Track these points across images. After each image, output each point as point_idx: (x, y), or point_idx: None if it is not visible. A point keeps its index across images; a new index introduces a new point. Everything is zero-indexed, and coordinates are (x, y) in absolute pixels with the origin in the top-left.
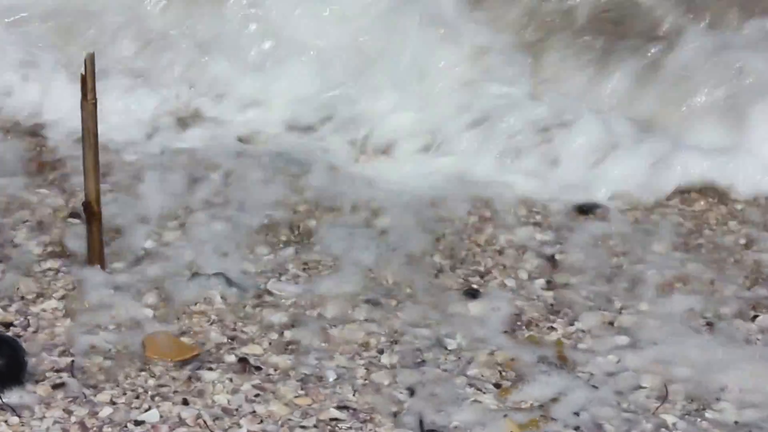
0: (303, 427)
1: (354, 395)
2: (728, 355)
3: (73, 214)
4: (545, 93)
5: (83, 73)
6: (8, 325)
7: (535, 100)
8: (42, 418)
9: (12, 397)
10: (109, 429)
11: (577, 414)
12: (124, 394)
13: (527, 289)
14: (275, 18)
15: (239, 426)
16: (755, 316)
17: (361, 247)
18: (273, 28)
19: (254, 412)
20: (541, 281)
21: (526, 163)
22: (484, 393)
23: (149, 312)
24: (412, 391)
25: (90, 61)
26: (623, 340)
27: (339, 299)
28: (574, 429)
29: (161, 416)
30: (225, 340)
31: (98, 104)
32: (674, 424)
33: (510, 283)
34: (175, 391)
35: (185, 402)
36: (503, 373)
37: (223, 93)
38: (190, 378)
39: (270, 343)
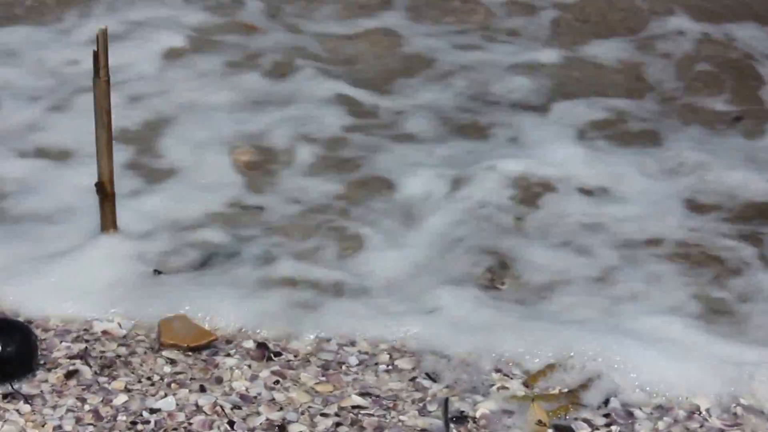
0: (324, 414)
1: (377, 382)
2: None
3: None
4: None
5: (95, 49)
6: None
7: None
8: (54, 407)
9: (23, 384)
10: (124, 417)
11: (606, 401)
12: (139, 381)
13: None
14: None
15: (258, 414)
16: None
17: None
18: None
19: (273, 399)
20: None
21: None
22: (511, 379)
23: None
24: (436, 377)
25: (102, 37)
26: None
27: None
28: (604, 416)
29: (177, 404)
30: (243, 324)
31: None
32: (708, 410)
33: None
34: (192, 378)
35: (202, 389)
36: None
37: None
38: (207, 364)
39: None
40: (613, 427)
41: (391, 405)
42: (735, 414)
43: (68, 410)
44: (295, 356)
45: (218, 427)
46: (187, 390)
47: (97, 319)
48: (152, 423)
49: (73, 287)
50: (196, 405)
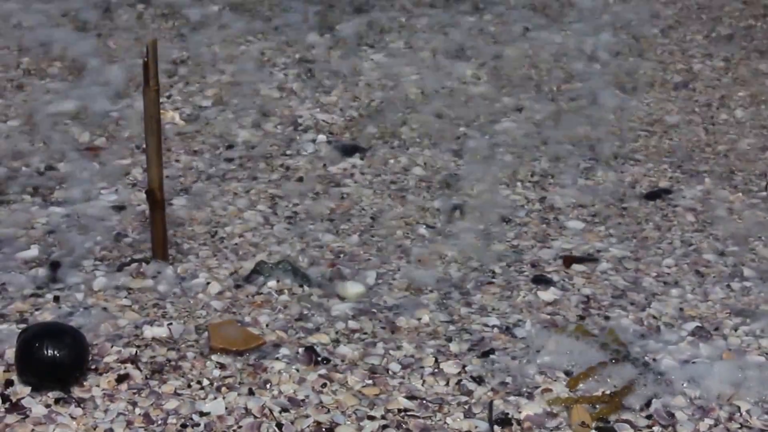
0: (371, 417)
1: (422, 385)
2: None
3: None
4: None
5: (145, 59)
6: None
7: None
8: (106, 411)
9: (75, 388)
10: (174, 420)
11: (648, 403)
12: (189, 385)
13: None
14: None
15: (306, 416)
16: None
17: None
18: None
19: (321, 402)
20: None
21: None
22: (555, 381)
23: (214, 301)
24: (481, 380)
25: (152, 47)
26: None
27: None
28: (646, 418)
29: (227, 407)
30: (291, 329)
31: None
32: (748, 411)
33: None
34: (241, 382)
35: (251, 392)
36: (574, 361)
37: None
38: (255, 368)
39: (337, 332)
40: (655, 429)
41: (437, 408)
42: None
43: (119, 414)
44: (342, 360)
45: (267, 430)
46: (236, 393)
47: (147, 323)
48: (202, 426)
49: None
50: (245, 408)
